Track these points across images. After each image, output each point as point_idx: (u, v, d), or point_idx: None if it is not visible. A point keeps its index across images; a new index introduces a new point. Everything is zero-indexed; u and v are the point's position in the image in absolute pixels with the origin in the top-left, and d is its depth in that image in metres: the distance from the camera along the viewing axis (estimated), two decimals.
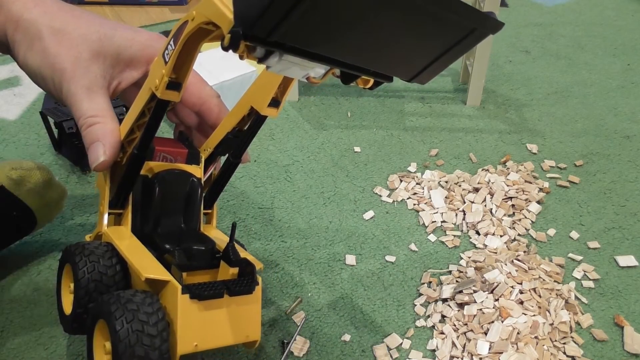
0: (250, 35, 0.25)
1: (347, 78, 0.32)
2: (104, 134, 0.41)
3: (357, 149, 0.77)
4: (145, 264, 0.40)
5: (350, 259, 0.59)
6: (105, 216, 0.45)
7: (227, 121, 0.46)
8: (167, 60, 0.35)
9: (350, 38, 0.26)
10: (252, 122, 0.45)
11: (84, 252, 0.42)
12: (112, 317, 0.36)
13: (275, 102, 0.42)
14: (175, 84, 0.37)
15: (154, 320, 0.37)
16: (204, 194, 0.48)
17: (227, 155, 0.48)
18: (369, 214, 0.66)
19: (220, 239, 0.47)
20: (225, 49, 0.26)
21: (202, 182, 0.48)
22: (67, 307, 0.44)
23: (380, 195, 0.69)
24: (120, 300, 0.37)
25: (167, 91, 0.37)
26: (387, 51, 0.28)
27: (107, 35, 0.42)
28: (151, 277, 0.38)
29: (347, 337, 0.51)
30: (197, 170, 0.47)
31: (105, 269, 0.41)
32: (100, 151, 0.40)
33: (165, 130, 0.78)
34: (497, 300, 0.52)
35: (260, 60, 0.26)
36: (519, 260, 0.57)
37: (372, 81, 0.33)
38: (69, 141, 0.67)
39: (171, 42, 0.35)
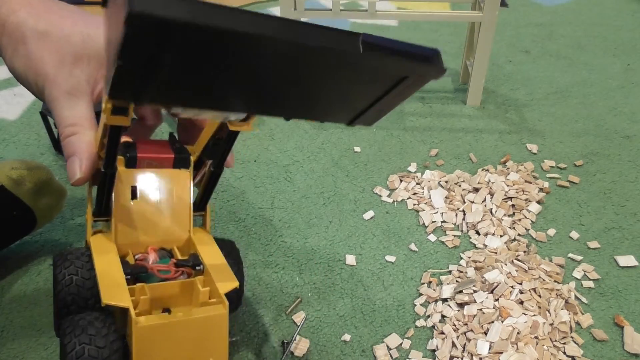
0: (120, 98, 0.24)
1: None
2: (80, 148, 0.40)
3: (357, 149, 0.77)
4: (109, 288, 0.39)
5: (350, 259, 0.59)
6: (89, 224, 0.44)
7: (208, 127, 0.44)
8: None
9: (236, 89, 0.25)
10: (227, 134, 0.43)
11: (64, 263, 0.42)
12: (64, 336, 0.37)
13: (245, 117, 0.40)
14: (120, 109, 0.34)
15: (102, 334, 0.37)
16: (194, 198, 0.47)
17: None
18: (369, 214, 0.66)
19: (205, 242, 0.46)
20: (115, 113, 0.25)
21: (191, 186, 0.46)
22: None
23: (380, 195, 0.69)
24: (75, 320, 0.38)
25: (113, 117, 0.34)
26: (305, 99, 0.27)
27: (90, 35, 0.41)
28: (110, 304, 0.38)
29: (347, 337, 0.51)
30: (184, 174, 0.46)
31: (83, 282, 0.41)
32: (77, 168, 0.40)
33: (165, 130, 0.78)
34: (497, 300, 0.52)
35: (167, 112, 0.25)
36: (519, 260, 0.57)
37: None
38: None
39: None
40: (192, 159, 0.46)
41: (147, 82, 0.24)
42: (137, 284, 0.41)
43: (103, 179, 0.41)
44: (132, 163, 0.43)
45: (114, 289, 0.39)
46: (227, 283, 0.42)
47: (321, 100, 0.28)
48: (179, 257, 0.45)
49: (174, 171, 0.46)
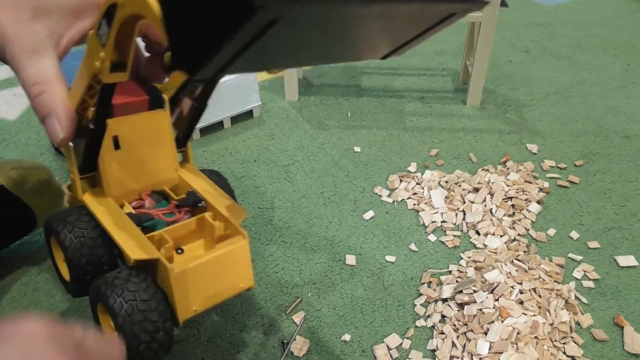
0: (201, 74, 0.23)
1: None
2: (55, 106, 0.38)
3: (357, 149, 0.77)
4: (133, 243, 0.40)
5: (350, 259, 0.59)
6: (78, 183, 0.43)
7: None
8: (103, 41, 0.32)
9: (311, 49, 0.25)
10: None
11: (66, 227, 0.42)
12: (106, 298, 0.38)
13: None
14: (119, 64, 0.33)
15: (143, 288, 0.39)
16: (176, 135, 0.47)
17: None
18: (369, 214, 0.66)
19: (197, 177, 0.47)
20: (164, 69, 0.24)
21: (171, 124, 0.46)
22: (65, 274, 0.44)
23: (380, 195, 0.69)
24: (109, 281, 0.39)
25: (112, 74, 0.34)
26: (353, 44, 0.27)
27: None
28: (141, 259, 0.39)
29: (347, 337, 0.51)
30: (163, 115, 0.46)
31: (94, 241, 0.42)
32: (57, 127, 0.38)
33: None
34: (497, 300, 0.52)
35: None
36: (519, 260, 0.57)
37: None
38: None
39: (103, 22, 0.32)
40: (166, 97, 0.46)
41: (236, 56, 0.23)
42: (155, 232, 0.42)
43: (92, 136, 0.40)
44: (109, 113, 0.42)
45: (136, 243, 0.40)
46: (237, 214, 0.44)
47: (370, 40, 0.28)
48: (174, 197, 0.45)
49: (151, 113, 0.45)
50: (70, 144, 0.42)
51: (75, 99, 0.39)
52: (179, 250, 0.43)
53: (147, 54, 0.46)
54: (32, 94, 0.38)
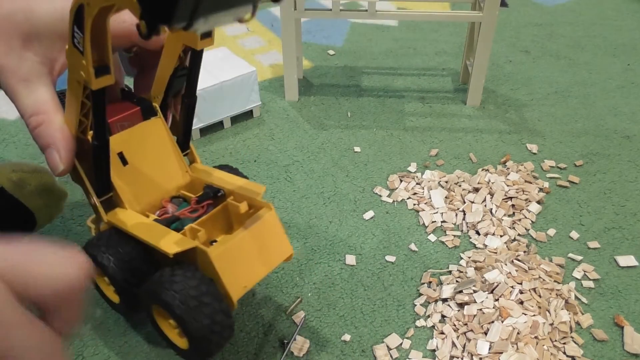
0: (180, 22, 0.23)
1: None
2: (53, 138, 0.38)
3: (357, 149, 0.77)
4: (168, 241, 0.41)
5: (350, 259, 0.59)
6: (100, 206, 0.44)
7: (165, 64, 0.44)
8: (81, 49, 0.32)
9: None
10: (191, 58, 0.43)
11: (101, 249, 0.43)
12: (158, 296, 0.39)
13: (207, 33, 0.40)
14: (103, 68, 0.34)
15: (189, 276, 0.39)
16: (176, 139, 0.48)
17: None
18: (369, 214, 0.66)
19: (209, 172, 0.48)
20: (145, 37, 0.24)
21: (169, 129, 0.47)
22: (113, 297, 0.45)
23: (380, 195, 0.69)
24: (156, 280, 0.40)
25: (98, 79, 0.34)
26: None
27: (34, 10, 0.37)
28: (178, 251, 0.40)
29: (347, 337, 0.51)
30: (158, 122, 0.46)
31: (130, 254, 0.43)
32: (57, 159, 0.38)
33: None
34: (497, 300, 0.52)
35: (185, 29, 0.24)
36: (519, 260, 0.57)
37: None
38: None
39: (75, 30, 0.32)
40: (156, 104, 0.46)
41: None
42: (185, 227, 0.42)
43: (98, 153, 0.40)
44: (108, 129, 0.42)
45: (171, 240, 0.40)
46: (256, 189, 0.45)
47: None
48: (192, 196, 0.46)
49: (147, 123, 0.46)
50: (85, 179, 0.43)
51: (73, 124, 0.39)
52: (213, 243, 0.44)
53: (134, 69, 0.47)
54: (31, 125, 0.38)
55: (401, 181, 0.71)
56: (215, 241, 0.45)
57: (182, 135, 0.48)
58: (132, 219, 0.43)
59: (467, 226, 0.64)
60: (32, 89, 0.38)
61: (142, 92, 0.47)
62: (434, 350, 0.50)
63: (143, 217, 0.44)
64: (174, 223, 0.44)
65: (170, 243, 0.40)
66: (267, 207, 0.44)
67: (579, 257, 0.60)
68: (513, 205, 0.66)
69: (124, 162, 0.44)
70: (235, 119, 0.82)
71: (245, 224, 0.43)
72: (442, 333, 0.51)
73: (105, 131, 0.39)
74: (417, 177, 0.71)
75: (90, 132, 0.40)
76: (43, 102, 0.38)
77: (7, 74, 0.37)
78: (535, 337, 0.49)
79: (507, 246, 0.61)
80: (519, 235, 0.63)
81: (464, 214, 0.65)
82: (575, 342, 0.50)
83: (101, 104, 0.37)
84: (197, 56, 0.42)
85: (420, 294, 0.56)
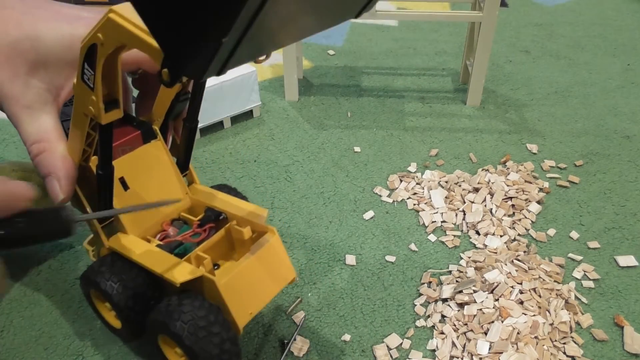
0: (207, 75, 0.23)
1: None
2: (54, 167, 0.38)
3: (357, 149, 0.77)
4: (173, 270, 0.40)
5: (350, 259, 0.59)
6: (102, 232, 0.44)
7: (163, 91, 0.44)
8: (91, 85, 0.32)
9: (297, 21, 0.25)
10: (194, 84, 0.43)
11: (104, 275, 0.42)
12: (166, 326, 0.39)
13: None
14: (112, 102, 0.34)
15: (197, 306, 0.39)
16: (176, 161, 0.48)
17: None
18: (369, 214, 0.66)
19: (209, 193, 0.48)
20: (168, 85, 0.24)
21: (169, 151, 0.47)
22: (115, 322, 0.45)
23: (380, 195, 0.69)
24: (163, 310, 0.40)
25: (107, 114, 0.34)
26: (331, 7, 0.27)
27: (40, 37, 0.36)
28: (185, 280, 0.40)
29: (347, 337, 0.51)
30: (158, 144, 0.46)
31: (133, 284, 0.42)
32: (57, 188, 0.38)
33: None
34: (497, 300, 0.52)
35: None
36: (519, 260, 0.57)
37: None
38: None
39: (86, 67, 0.32)
40: (155, 127, 0.46)
41: (238, 43, 0.22)
42: (190, 254, 0.42)
43: (102, 182, 0.40)
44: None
45: (176, 268, 0.40)
46: (259, 213, 0.45)
47: (339, 4, 0.27)
48: (194, 219, 0.46)
49: (147, 146, 0.46)
50: (90, 213, 0.43)
51: (76, 153, 0.39)
52: (215, 266, 0.44)
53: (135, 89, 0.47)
54: (32, 153, 0.38)
55: (401, 181, 0.71)
56: (217, 265, 0.45)
57: (183, 158, 0.49)
58: (135, 245, 0.43)
59: (467, 226, 0.64)
60: (36, 117, 0.37)
61: (142, 114, 0.47)
62: (434, 350, 0.50)
63: (146, 243, 0.44)
64: (177, 248, 0.43)
65: (178, 272, 0.40)
66: (271, 232, 0.44)
67: (579, 257, 0.60)
68: (513, 205, 0.66)
69: (125, 187, 0.44)
70: (235, 119, 0.81)
71: (250, 249, 0.43)
72: (442, 333, 0.51)
73: (109, 161, 0.39)
74: (417, 177, 0.71)
75: (93, 159, 0.40)
76: (45, 130, 0.38)
77: (11, 101, 0.37)
78: (535, 337, 0.49)
79: (507, 246, 0.61)
80: (519, 235, 0.63)
81: (464, 214, 0.65)
82: (575, 342, 0.50)
83: (109, 137, 0.37)
84: (200, 83, 0.43)
85: (420, 294, 0.56)
